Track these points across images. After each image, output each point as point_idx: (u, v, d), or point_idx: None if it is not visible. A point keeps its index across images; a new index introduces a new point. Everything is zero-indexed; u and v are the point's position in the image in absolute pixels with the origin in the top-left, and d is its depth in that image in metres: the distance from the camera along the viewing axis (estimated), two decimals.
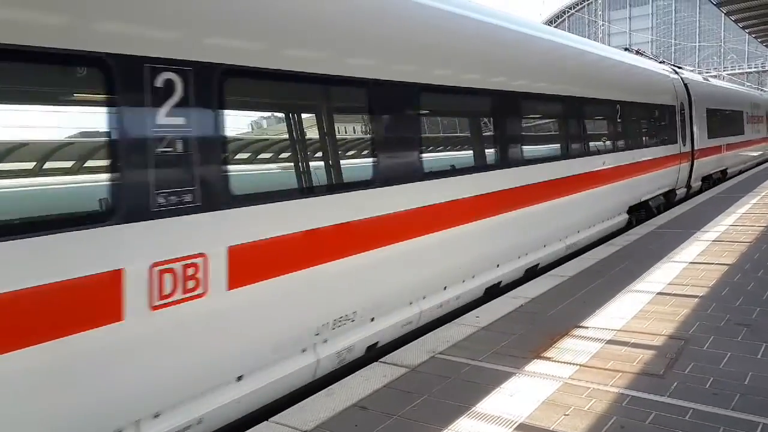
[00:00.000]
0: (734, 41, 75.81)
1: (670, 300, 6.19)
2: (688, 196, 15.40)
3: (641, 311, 5.87)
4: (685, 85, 15.35)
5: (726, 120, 19.64)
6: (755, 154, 25.67)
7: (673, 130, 13.69)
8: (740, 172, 22.09)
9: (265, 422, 3.89)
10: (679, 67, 17.20)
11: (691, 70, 21.53)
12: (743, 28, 27.79)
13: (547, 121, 8.70)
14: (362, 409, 4.01)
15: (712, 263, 7.72)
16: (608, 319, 5.66)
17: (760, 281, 6.76)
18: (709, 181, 17.84)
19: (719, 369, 4.42)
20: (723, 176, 19.81)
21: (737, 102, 22.24)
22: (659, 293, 6.46)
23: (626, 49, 15.82)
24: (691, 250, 8.62)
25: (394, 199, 5.24)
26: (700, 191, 16.55)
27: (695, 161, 15.37)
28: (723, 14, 25.14)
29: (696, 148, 15.30)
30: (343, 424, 3.82)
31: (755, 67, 75.71)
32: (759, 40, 32.83)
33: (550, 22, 79.88)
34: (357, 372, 4.64)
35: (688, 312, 5.77)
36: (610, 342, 5.07)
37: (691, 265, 7.71)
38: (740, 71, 72.22)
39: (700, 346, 4.89)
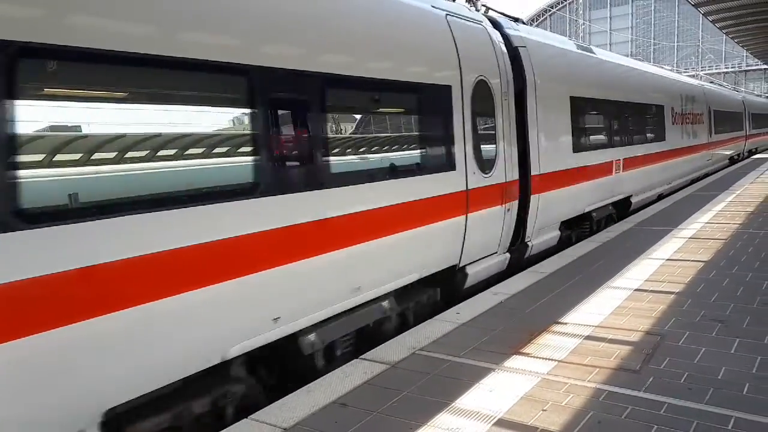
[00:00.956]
0: (712, 41, 76.95)
1: (647, 296, 6.28)
2: (522, 266, 8.13)
3: (619, 307, 5.95)
4: (515, 49, 8.17)
5: (626, 119, 12.13)
6: (688, 168, 17.41)
7: (445, 140, 6.45)
8: (659, 198, 14.71)
9: (245, 419, 3.88)
10: (515, 20, 9.30)
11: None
12: (720, 28, 28.22)
13: None
14: (342, 405, 4.02)
15: (688, 260, 7.84)
16: (586, 315, 5.73)
17: (735, 278, 6.88)
18: (590, 224, 10.49)
19: (694, 364, 4.50)
20: (624, 209, 12.21)
21: (651, 90, 14.16)
22: (636, 290, 6.55)
23: None
24: (668, 247, 8.75)
25: None
26: (564, 244, 9.53)
27: (534, 198, 8.17)
28: (701, 15, 25.48)
29: (541, 171, 8.27)
30: (323, 420, 3.82)
31: (732, 67, 76.97)
32: (736, 40, 33.37)
33: (531, 21, 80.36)
34: (337, 369, 4.65)
35: (664, 308, 5.85)
36: (588, 338, 5.13)
37: (667, 261, 7.82)
38: (717, 71, 73.35)
39: (676, 341, 4.97)
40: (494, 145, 7.39)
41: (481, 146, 7.06)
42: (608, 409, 3.83)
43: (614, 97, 11.55)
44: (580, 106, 9.82)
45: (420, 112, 6.23)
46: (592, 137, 10.50)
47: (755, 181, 17.78)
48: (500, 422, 3.71)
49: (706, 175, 20.56)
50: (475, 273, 7.11)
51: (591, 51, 11.56)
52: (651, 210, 12.52)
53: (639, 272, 7.32)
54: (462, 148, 6.60)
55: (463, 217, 6.60)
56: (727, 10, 23.15)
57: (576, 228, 10.27)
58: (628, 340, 5.04)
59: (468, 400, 4.03)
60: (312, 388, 4.30)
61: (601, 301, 6.20)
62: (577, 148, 9.61)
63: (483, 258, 7.31)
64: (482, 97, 7.14)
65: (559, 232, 9.34)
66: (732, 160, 26.56)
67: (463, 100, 6.66)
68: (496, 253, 7.62)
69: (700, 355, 4.65)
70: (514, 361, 4.67)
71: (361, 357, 4.86)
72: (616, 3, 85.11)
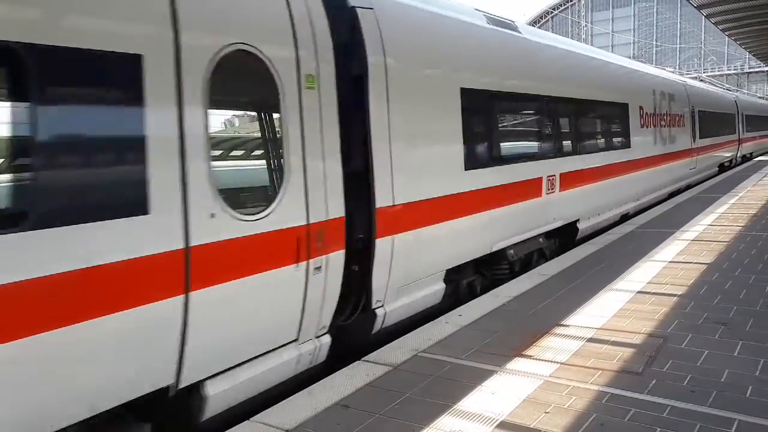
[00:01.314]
0: (714, 43, 76.95)
1: (649, 299, 6.27)
2: (370, 345, 5.44)
3: (621, 310, 5.93)
4: (351, 10, 5.36)
5: (566, 121, 9.18)
6: (663, 180, 14.48)
7: (116, 156, 3.39)
8: (624, 218, 11.98)
9: (247, 421, 3.87)
10: None
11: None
12: (722, 30, 28.22)
13: None
14: (344, 407, 4.01)
15: (691, 262, 7.83)
16: (589, 318, 5.72)
17: (738, 280, 6.87)
18: (509, 265, 7.75)
19: (697, 366, 4.48)
20: (568, 241, 9.47)
21: (609, 84, 11.32)
22: (639, 292, 6.54)
23: None
24: (670, 249, 8.73)
25: None
26: (462, 299, 6.82)
27: (385, 242, 5.41)
28: (703, 17, 25.47)
29: (398, 201, 5.55)
30: (325, 422, 3.82)
31: (734, 69, 76.95)
32: (738, 42, 33.36)
33: (534, 23, 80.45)
34: (339, 371, 4.64)
35: (667, 310, 5.84)
36: (590, 340, 5.12)
37: (670, 264, 7.80)
38: (720, 73, 73.32)
39: (679, 344, 4.96)
40: (276, 163, 4.43)
41: (238, 165, 4.46)
42: (611, 412, 3.82)
43: (546, 91, 8.41)
44: (481, 103, 6.83)
45: (40, 99, 3.06)
46: (503, 146, 7.44)
47: (758, 183, 17.76)
48: (503, 425, 3.70)
49: (689, 186, 17.52)
50: (228, 391, 4.08)
51: (512, 28, 8.29)
52: (653, 212, 12.50)
53: (641, 274, 7.30)
54: (171, 170, 3.62)
55: (179, 299, 3.63)
56: (729, 12, 23.17)
57: (489, 273, 7.51)
58: (630, 342, 5.03)
59: (470, 402, 4.02)
60: (314, 389, 4.30)
61: (604, 303, 6.18)
62: (474, 163, 6.65)
63: (257, 358, 4.30)
64: (245, 81, 4.37)
65: (443, 285, 6.49)
66: (722, 167, 23.78)
67: (181, 81, 3.69)
68: (295, 341, 4.61)
69: (702, 358, 4.64)
70: (517, 364, 4.66)
71: (363, 359, 4.85)
72: (619, 5, 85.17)
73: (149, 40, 3.52)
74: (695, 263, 7.77)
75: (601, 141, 10.56)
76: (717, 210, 12.44)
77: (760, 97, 51.58)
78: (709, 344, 4.92)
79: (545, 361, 4.70)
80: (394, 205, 5.50)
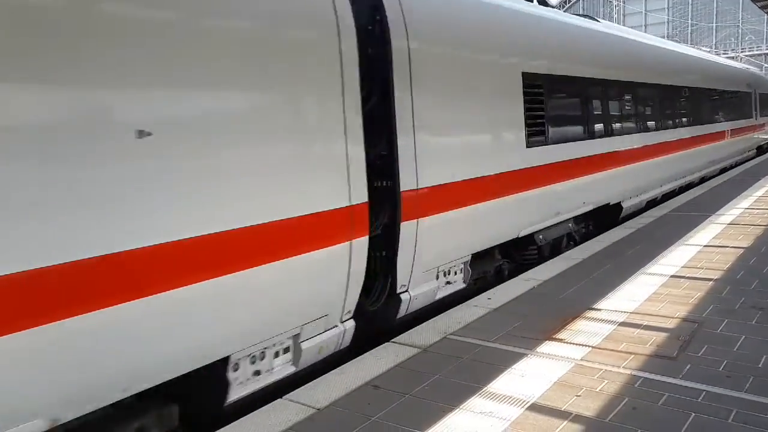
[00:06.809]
0: (752, 22, 74.44)
1: (683, 283, 6.16)
2: None
3: (654, 294, 5.84)
4: None
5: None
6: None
7: None
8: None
9: (280, 399, 3.94)
10: None
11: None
12: (761, 8, 27.22)
13: None
14: (374, 387, 4.04)
15: (727, 246, 7.65)
16: (621, 302, 5.64)
17: None
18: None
19: (733, 352, 4.40)
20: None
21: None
22: (673, 276, 6.42)
23: None
24: (705, 233, 8.55)
25: None
26: None
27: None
28: None
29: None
30: (356, 401, 3.85)
31: None
32: None
33: (563, 3, 78.72)
34: (369, 352, 4.68)
35: (701, 295, 5.73)
36: (622, 324, 5.06)
37: (705, 248, 7.64)
38: (759, 52, 71.00)
39: (714, 328, 4.87)
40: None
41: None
42: (644, 396, 3.78)
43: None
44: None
45: None
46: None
47: None
48: (534, 407, 3.69)
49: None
50: None
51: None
52: (686, 196, 12.24)
53: (675, 258, 7.17)
54: None
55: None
56: None
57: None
58: (664, 326, 4.96)
59: (500, 384, 4.02)
60: (345, 369, 4.34)
61: (636, 287, 6.09)
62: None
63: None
64: None
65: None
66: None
67: None
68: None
69: (739, 343, 4.55)
70: (547, 347, 4.63)
71: (392, 340, 4.88)
72: None
73: None
74: (731, 247, 7.59)
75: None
76: (755, 193, 12.12)
77: None
78: (746, 329, 4.82)
79: (576, 344, 4.66)
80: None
